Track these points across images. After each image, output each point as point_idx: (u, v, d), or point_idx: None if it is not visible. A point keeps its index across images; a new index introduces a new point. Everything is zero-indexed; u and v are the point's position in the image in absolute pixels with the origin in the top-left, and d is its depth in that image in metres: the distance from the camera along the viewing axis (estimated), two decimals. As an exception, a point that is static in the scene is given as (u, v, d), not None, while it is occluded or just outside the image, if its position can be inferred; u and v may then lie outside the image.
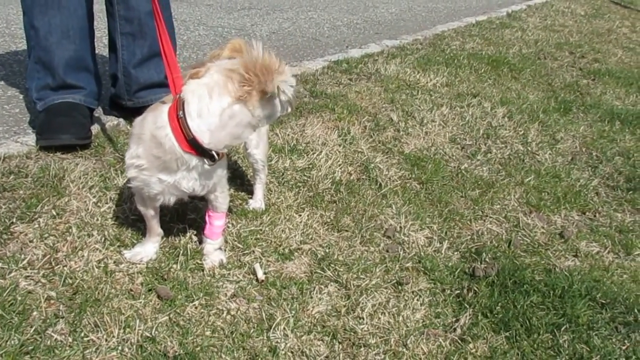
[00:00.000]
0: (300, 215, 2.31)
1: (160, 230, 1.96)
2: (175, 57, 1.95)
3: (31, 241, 1.92)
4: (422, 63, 4.44)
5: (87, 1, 2.59)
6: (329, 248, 2.15)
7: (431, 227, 2.36)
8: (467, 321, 1.87)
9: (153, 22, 2.70)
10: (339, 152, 2.88)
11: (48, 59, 2.53)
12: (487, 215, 2.49)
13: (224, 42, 5.16)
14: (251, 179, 2.42)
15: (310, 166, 2.69)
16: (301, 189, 2.50)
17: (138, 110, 2.83)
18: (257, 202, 2.33)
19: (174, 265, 1.91)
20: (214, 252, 1.97)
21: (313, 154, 2.80)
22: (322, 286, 1.97)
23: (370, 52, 4.77)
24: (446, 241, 2.27)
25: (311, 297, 1.90)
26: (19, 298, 1.67)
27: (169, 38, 2.81)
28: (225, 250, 2.02)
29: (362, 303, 1.90)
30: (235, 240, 2.09)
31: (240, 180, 2.52)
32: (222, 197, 1.93)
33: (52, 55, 2.54)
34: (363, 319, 1.85)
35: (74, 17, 2.52)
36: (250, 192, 2.37)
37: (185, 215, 2.16)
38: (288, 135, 2.96)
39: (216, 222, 1.96)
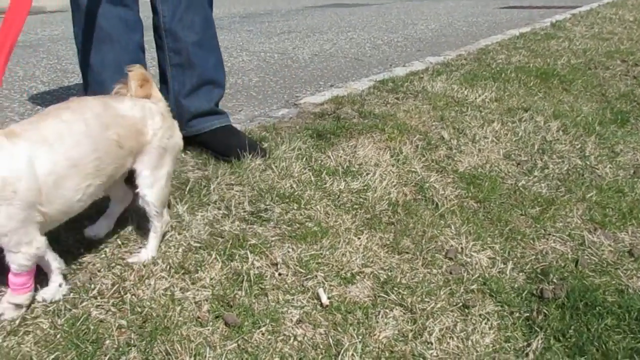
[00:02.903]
0: (359, 238, 2.29)
1: None
2: None
3: (99, 271, 1.95)
4: (469, 79, 4.41)
5: (137, 35, 2.66)
6: (391, 271, 2.13)
7: (493, 247, 2.32)
8: (539, 346, 1.81)
9: (200, 51, 2.78)
10: (393, 172, 2.86)
11: (104, 94, 2.60)
12: (550, 234, 2.43)
13: (267, 66, 5.23)
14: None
15: (365, 188, 2.67)
16: (358, 211, 2.49)
17: (191, 139, 2.90)
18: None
19: (239, 292, 1.92)
20: (3, 302, 1.75)
21: (367, 175, 2.79)
22: (387, 310, 1.94)
23: (415, 70, 4.77)
24: (510, 262, 2.22)
25: (377, 322, 1.88)
26: (92, 327, 1.70)
27: (217, 66, 2.87)
28: (287, 275, 2.02)
29: (429, 327, 1.87)
30: (297, 265, 2.08)
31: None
32: (12, 255, 1.66)
33: (108, 90, 2.60)
34: (431, 343, 1.81)
35: (125, 51, 2.58)
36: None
37: (247, 241, 2.16)
38: (340, 157, 2.96)
39: (12, 277, 1.72)
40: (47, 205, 1.66)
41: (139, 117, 1.90)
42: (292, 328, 1.82)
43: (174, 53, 2.71)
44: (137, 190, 1.97)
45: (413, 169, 2.91)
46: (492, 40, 6.16)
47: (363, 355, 1.73)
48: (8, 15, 1.73)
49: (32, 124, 1.69)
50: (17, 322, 1.71)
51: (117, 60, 2.53)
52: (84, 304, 1.79)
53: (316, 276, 2.04)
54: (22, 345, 1.63)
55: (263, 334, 1.77)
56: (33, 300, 1.78)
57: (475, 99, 3.95)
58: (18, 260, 1.67)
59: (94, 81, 2.58)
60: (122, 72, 2.61)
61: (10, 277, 1.72)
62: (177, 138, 2.06)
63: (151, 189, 1.96)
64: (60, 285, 1.83)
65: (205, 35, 2.72)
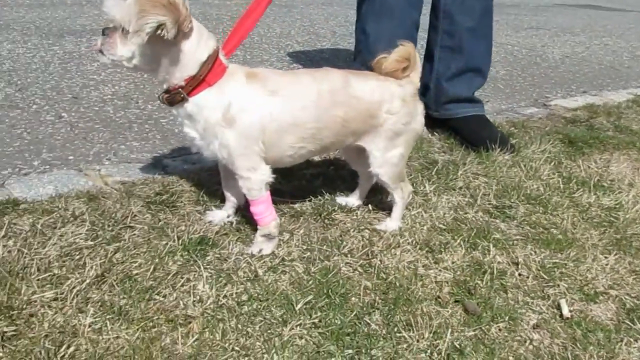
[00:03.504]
0: (606, 257, 2.16)
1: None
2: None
3: (349, 230, 2.07)
4: None
5: (416, 13, 2.72)
6: (639, 299, 1.98)
7: None
8: None
9: (473, 38, 2.77)
10: (649, 196, 2.64)
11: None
12: None
13: (514, 61, 5.07)
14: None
15: (617, 206, 2.50)
16: (607, 229, 2.34)
17: (443, 122, 2.93)
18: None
19: (479, 282, 1.91)
20: (257, 238, 1.92)
21: (619, 193, 2.61)
22: (632, 339, 1.81)
23: (683, 90, 4.33)
24: None
25: (620, 349, 1.76)
26: (341, 281, 1.81)
27: (485, 55, 2.86)
28: (527, 277, 1.97)
29: (681, 370, 1.72)
30: (539, 270, 2.03)
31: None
32: (241, 180, 1.86)
33: None
34: (681, 388, 1.67)
35: (401, 26, 2.66)
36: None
37: (490, 234, 2.15)
38: (591, 168, 2.81)
39: (251, 207, 1.92)
40: (266, 148, 1.83)
41: (376, 100, 1.93)
42: (529, 331, 1.78)
43: (446, 35, 2.74)
44: (369, 168, 2.03)
45: (673, 198, 2.66)
46: None
47: (603, 379, 1.65)
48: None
49: (274, 74, 1.87)
50: (277, 260, 1.88)
51: (392, 33, 2.61)
52: (335, 258, 1.92)
53: (558, 285, 1.97)
54: (278, 283, 1.79)
55: (500, 330, 1.75)
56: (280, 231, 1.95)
57: None
58: (246, 185, 1.87)
59: (367, 50, 2.70)
60: (395, 46, 2.72)
61: (251, 209, 1.92)
62: (416, 124, 2.04)
63: (381, 168, 2.01)
64: (228, 216, 2.07)
65: (481, 22, 2.72)
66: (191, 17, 1.68)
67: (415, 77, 2.01)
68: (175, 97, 1.76)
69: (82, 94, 3.28)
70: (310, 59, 4.44)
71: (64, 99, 3.19)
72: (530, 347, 1.73)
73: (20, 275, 1.69)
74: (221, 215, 2.06)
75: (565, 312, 1.86)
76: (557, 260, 2.09)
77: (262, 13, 1.96)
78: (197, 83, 1.73)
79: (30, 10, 5.46)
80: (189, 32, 1.68)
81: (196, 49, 1.71)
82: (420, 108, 2.06)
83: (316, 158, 2.47)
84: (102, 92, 3.33)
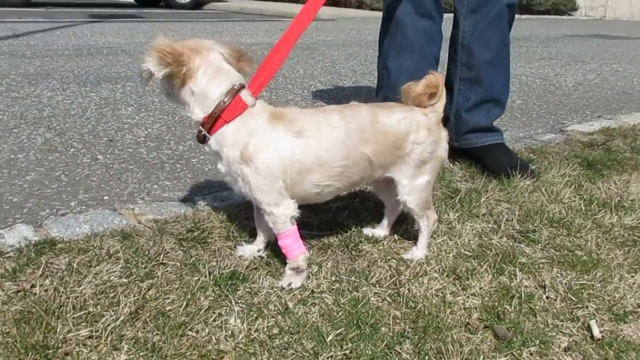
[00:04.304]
0: (632, 276, 2.16)
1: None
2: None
3: (376, 261, 2.10)
4: None
5: (436, 47, 2.79)
6: (670, 318, 1.98)
7: None
8: None
9: (491, 70, 2.83)
10: (671, 215, 2.65)
11: (395, 99, 2.79)
12: None
13: (529, 90, 5.14)
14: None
15: (639, 225, 2.52)
16: (632, 248, 2.35)
17: (464, 152, 2.97)
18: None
19: (507, 307, 1.93)
20: (287, 271, 1.96)
21: (640, 213, 2.62)
22: (666, 359, 1.81)
23: (697, 111, 4.35)
24: None
25: (655, 368, 1.77)
26: (370, 312, 1.83)
27: (504, 86, 2.91)
28: (555, 300, 1.98)
29: None
30: (567, 292, 2.04)
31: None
32: (265, 214, 1.89)
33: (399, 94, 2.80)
34: None
35: (422, 61, 2.73)
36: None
37: (516, 259, 2.17)
38: (611, 189, 2.82)
39: (279, 241, 1.95)
40: (289, 186, 1.86)
41: (403, 132, 1.96)
42: (561, 354, 1.78)
43: (465, 68, 2.81)
44: (397, 197, 2.06)
45: (695, 216, 2.66)
46: None
47: (640, 400, 1.65)
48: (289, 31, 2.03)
49: (302, 114, 1.90)
50: (307, 293, 1.91)
51: (414, 67, 2.69)
52: (364, 289, 1.95)
53: (587, 307, 1.98)
54: (309, 315, 1.82)
55: (531, 354, 1.76)
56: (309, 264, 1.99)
57: None
58: (271, 219, 1.90)
59: (388, 85, 2.78)
60: (416, 79, 2.79)
61: (279, 243, 1.95)
62: (441, 151, 2.08)
63: (409, 196, 2.04)
64: (258, 251, 2.11)
65: (499, 54, 2.79)
66: (208, 60, 1.78)
67: (439, 106, 2.05)
68: (199, 135, 1.84)
69: (117, 136, 3.40)
70: (333, 97, 4.54)
71: (99, 142, 3.31)
72: (565, 371, 1.73)
73: (56, 313, 1.74)
74: (251, 249, 2.10)
75: (596, 333, 1.87)
76: (584, 282, 2.10)
77: (287, 53, 2.02)
78: (213, 120, 1.79)
79: (70, 59, 5.68)
80: (200, 74, 1.77)
81: (208, 88, 1.78)
82: (444, 135, 2.10)
83: (340, 191, 2.51)
84: (136, 135, 3.43)
